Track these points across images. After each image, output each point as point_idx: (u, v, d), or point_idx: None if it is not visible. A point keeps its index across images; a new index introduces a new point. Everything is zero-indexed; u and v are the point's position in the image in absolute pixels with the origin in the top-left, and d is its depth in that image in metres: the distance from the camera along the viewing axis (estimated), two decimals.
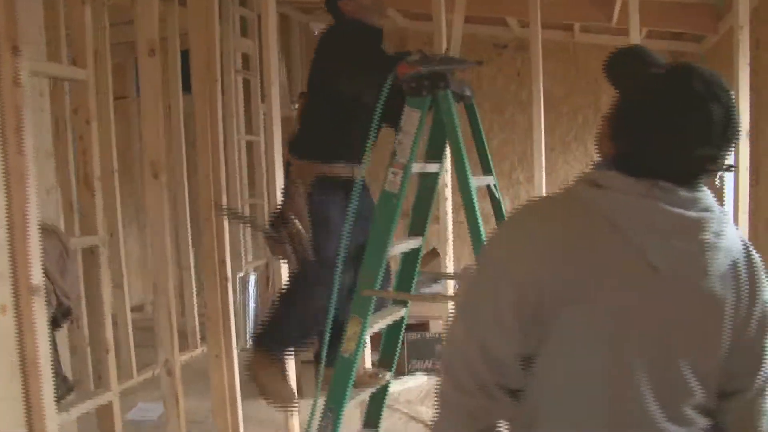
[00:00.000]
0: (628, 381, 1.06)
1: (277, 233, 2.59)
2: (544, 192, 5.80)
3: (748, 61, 2.79)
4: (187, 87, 3.77)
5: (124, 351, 4.50)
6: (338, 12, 2.61)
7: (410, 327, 4.29)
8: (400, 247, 2.50)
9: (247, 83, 5.55)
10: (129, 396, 4.04)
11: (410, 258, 2.65)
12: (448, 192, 3.76)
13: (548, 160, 5.80)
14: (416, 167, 2.35)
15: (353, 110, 2.49)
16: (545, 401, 1.12)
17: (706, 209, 1.09)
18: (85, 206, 2.54)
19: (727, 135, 1.07)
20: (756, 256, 1.16)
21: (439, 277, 4.64)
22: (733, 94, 1.12)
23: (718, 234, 1.08)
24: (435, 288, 4.57)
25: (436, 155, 2.56)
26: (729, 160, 1.16)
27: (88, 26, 2.51)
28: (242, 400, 3.23)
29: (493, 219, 2.67)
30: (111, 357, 2.55)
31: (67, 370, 2.66)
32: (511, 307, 1.09)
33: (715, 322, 1.10)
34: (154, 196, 2.86)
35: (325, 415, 2.38)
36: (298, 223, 2.53)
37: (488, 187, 2.56)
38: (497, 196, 2.54)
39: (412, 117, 2.27)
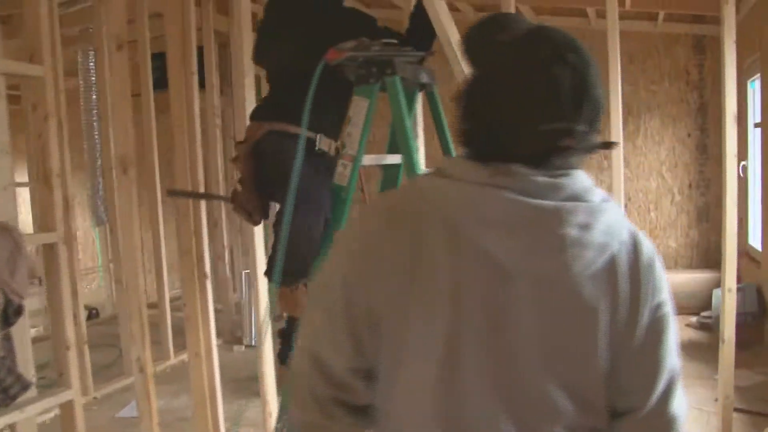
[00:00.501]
0: (474, 400, 0.92)
1: (233, 200, 2.53)
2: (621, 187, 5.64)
3: (734, 39, 2.58)
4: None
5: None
6: None
7: None
8: None
9: None
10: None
11: None
12: None
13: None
14: (369, 159, 2.24)
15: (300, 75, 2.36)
16: (383, 420, 0.99)
17: (572, 197, 0.90)
18: (43, 203, 2.51)
19: (580, 104, 0.90)
20: (648, 252, 0.97)
21: None
22: (591, 59, 0.92)
23: (585, 227, 0.89)
24: None
25: (396, 147, 2.45)
26: (607, 137, 1.01)
27: (44, 21, 2.49)
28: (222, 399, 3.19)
29: None
30: (72, 354, 2.53)
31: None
32: (341, 313, 0.95)
33: (586, 331, 0.93)
34: (124, 192, 2.84)
35: (280, 417, 2.30)
36: (237, 185, 2.47)
37: None
38: None
39: (360, 106, 2.16)
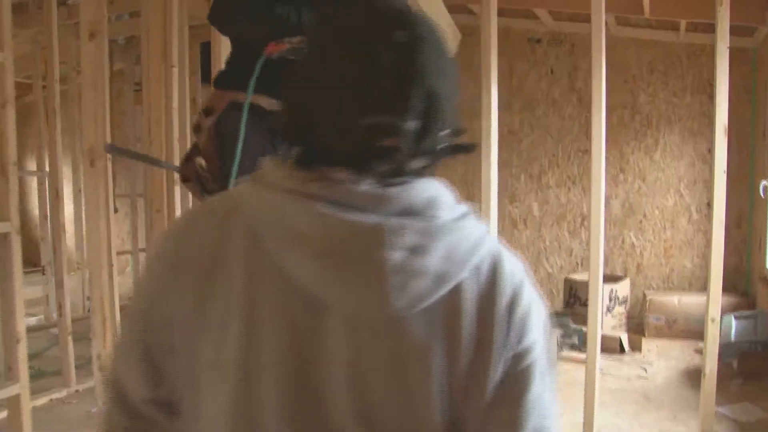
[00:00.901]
0: None
1: (182, 169, 2.39)
2: (579, 201, 5.45)
3: (727, 44, 2.40)
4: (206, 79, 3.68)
5: None
6: None
7: None
8: None
9: None
10: None
11: None
12: None
13: (580, 163, 5.43)
14: None
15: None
16: None
17: (404, 212, 0.73)
18: None
19: (407, 94, 0.72)
20: (513, 285, 0.79)
21: None
22: (431, 39, 0.75)
23: (416, 250, 0.72)
24: None
25: None
26: (461, 138, 0.84)
27: (6, 9, 2.44)
28: None
29: None
30: (22, 348, 2.47)
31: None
32: (139, 339, 0.82)
33: (413, 381, 0.75)
34: (91, 183, 2.77)
35: None
36: (201, 159, 2.34)
37: None
38: None
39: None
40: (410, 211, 0.74)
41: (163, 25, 3.04)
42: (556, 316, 4.95)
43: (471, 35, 5.85)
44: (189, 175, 2.34)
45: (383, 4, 0.77)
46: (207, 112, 2.28)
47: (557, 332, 4.45)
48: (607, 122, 5.37)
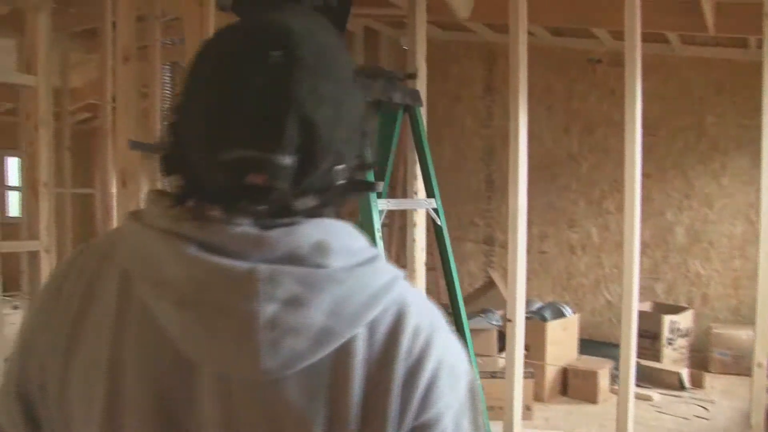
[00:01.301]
0: None
1: None
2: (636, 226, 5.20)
3: None
4: None
5: None
6: None
7: None
8: None
9: None
10: None
11: None
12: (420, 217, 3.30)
13: (642, 188, 5.18)
14: None
15: None
16: None
17: (285, 258, 0.64)
18: (30, 211, 2.53)
19: (280, 125, 0.63)
20: (418, 346, 0.68)
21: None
22: (315, 63, 0.66)
23: (295, 302, 0.63)
24: (479, 322, 4.17)
25: (380, 172, 2.27)
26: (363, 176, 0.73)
27: (42, 32, 2.52)
28: None
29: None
30: None
31: None
32: (15, 384, 0.75)
33: None
34: (124, 204, 2.82)
35: None
36: None
37: (431, 210, 2.20)
38: (440, 223, 2.18)
39: None
40: (292, 257, 0.64)
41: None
42: (611, 348, 4.72)
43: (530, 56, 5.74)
44: None
45: (265, 20, 0.69)
46: None
47: (611, 364, 4.23)
48: (671, 146, 5.16)
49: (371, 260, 0.69)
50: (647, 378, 4.37)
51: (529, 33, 5.35)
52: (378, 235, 1.87)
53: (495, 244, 5.80)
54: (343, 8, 2.35)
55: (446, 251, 2.16)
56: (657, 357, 4.56)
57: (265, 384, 0.64)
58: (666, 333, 4.58)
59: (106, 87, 3.99)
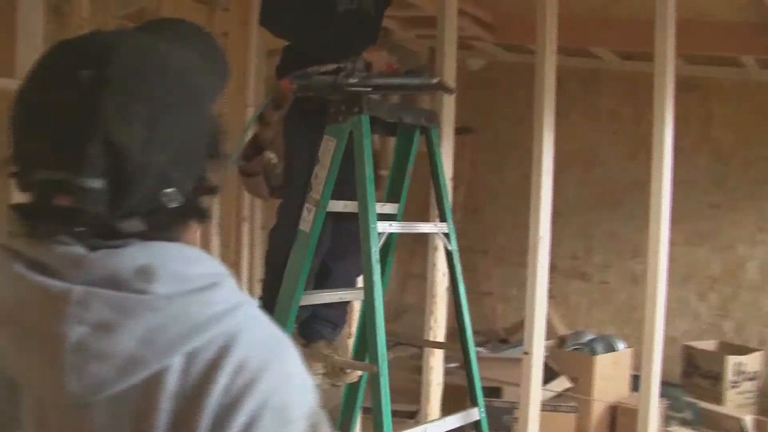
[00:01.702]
0: None
1: (248, 165, 2.32)
2: (708, 260, 4.93)
3: None
4: None
5: None
6: None
7: None
8: None
9: None
10: None
11: None
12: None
13: (712, 219, 4.94)
14: (337, 205, 2.05)
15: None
16: None
17: (102, 281, 0.63)
18: None
19: (83, 146, 0.61)
20: (233, 379, 0.64)
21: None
22: (130, 82, 0.65)
23: (104, 327, 0.61)
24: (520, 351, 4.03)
25: (395, 194, 2.23)
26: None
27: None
28: None
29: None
30: None
31: None
32: None
33: None
34: None
35: None
36: (271, 154, 2.27)
37: (441, 235, 2.13)
38: (451, 248, 2.12)
39: (327, 146, 2.00)
40: (112, 281, 0.63)
41: (241, 71, 3.13)
42: (671, 387, 4.47)
43: (592, 81, 5.57)
44: (257, 170, 2.29)
45: (89, 37, 0.68)
46: (276, 104, 2.22)
47: (665, 403, 4.00)
48: (744, 176, 4.87)
49: (208, 288, 0.66)
50: (706, 422, 4.10)
51: (596, 56, 5.22)
52: (375, 258, 1.83)
53: (555, 271, 5.61)
54: (378, 15, 2.32)
55: (456, 278, 2.09)
56: (719, 400, 4.27)
57: (73, 408, 0.63)
58: (730, 375, 4.30)
59: None
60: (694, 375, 4.44)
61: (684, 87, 5.07)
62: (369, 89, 1.91)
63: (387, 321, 5.66)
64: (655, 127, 2.37)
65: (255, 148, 2.32)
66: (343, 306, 2.39)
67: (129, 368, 0.61)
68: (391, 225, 1.95)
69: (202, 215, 0.73)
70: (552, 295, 5.57)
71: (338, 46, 2.05)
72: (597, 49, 5.07)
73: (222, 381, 0.63)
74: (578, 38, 4.99)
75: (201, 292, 0.65)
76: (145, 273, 0.63)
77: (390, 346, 5.11)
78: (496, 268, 5.71)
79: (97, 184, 0.62)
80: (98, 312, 0.61)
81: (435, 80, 2.04)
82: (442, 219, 2.12)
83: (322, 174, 2.01)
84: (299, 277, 2.03)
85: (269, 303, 2.16)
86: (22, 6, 2.26)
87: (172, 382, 0.63)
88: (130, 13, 4.72)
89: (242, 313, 0.68)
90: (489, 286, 5.60)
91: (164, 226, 0.68)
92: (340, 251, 2.25)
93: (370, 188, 1.88)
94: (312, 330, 2.31)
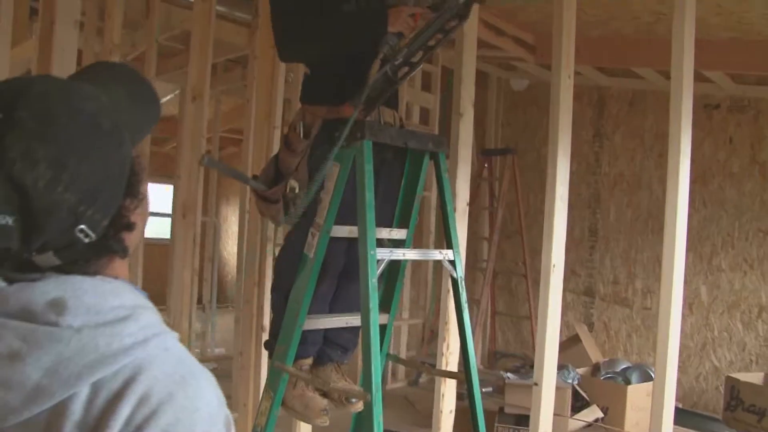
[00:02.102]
0: None
1: (270, 191, 2.33)
2: (756, 288, 4.72)
3: None
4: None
5: None
6: None
7: (506, 417, 3.75)
8: None
9: None
10: None
11: None
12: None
13: (759, 245, 4.74)
14: (341, 230, 2.04)
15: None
16: None
17: (21, 313, 0.67)
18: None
19: None
20: (133, 411, 0.65)
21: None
22: (41, 126, 0.68)
23: (13, 357, 0.65)
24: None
25: (405, 220, 2.21)
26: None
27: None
28: None
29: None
30: None
31: None
32: None
33: None
34: (181, 234, 2.94)
35: None
36: (294, 182, 2.26)
37: (446, 263, 2.09)
38: (456, 275, 2.07)
39: (332, 171, 1.99)
40: (25, 313, 0.67)
41: (269, 93, 3.17)
42: (713, 422, 4.30)
43: (638, 102, 5.43)
44: (277, 197, 2.29)
45: (2, 82, 0.72)
46: (305, 132, 2.20)
47: None
48: None
49: (120, 320, 0.69)
50: None
51: (639, 77, 5.09)
52: (372, 285, 1.81)
53: (596, 296, 5.48)
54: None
55: (461, 307, 2.05)
56: None
57: None
58: None
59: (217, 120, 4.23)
60: (738, 409, 4.24)
61: (733, 108, 4.91)
62: (418, 61, 1.89)
63: (419, 344, 5.59)
64: (670, 149, 2.26)
65: (277, 174, 2.31)
66: (356, 329, 2.36)
67: (35, 397, 0.64)
68: (392, 252, 1.93)
69: (120, 250, 0.75)
70: (590, 322, 5.44)
71: (356, 44, 2.05)
72: (640, 69, 4.95)
73: (125, 412, 0.65)
74: (621, 58, 4.90)
75: (112, 325, 0.68)
76: (57, 306, 0.67)
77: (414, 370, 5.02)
78: (536, 291, 5.59)
79: (6, 221, 0.66)
80: (9, 342, 0.65)
81: (462, 1, 1.94)
82: (449, 245, 2.08)
83: (326, 199, 2.00)
84: (303, 301, 2.03)
85: (277, 328, 2.16)
86: (57, 30, 2.36)
87: (76, 412, 0.65)
88: (175, 35, 4.87)
89: (154, 345, 0.70)
90: (528, 310, 5.49)
91: (80, 260, 0.72)
92: (354, 273, 2.22)
93: (370, 214, 1.87)
94: (321, 353, 2.30)
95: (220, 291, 7.21)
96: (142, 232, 0.85)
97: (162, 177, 8.14)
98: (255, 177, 2.35)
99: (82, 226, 0.70)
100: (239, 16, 4.90)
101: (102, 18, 3.36)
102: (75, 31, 2.46)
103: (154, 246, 5.99)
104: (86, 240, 0.70)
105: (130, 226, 0.76)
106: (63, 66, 2.42)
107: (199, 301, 6.35)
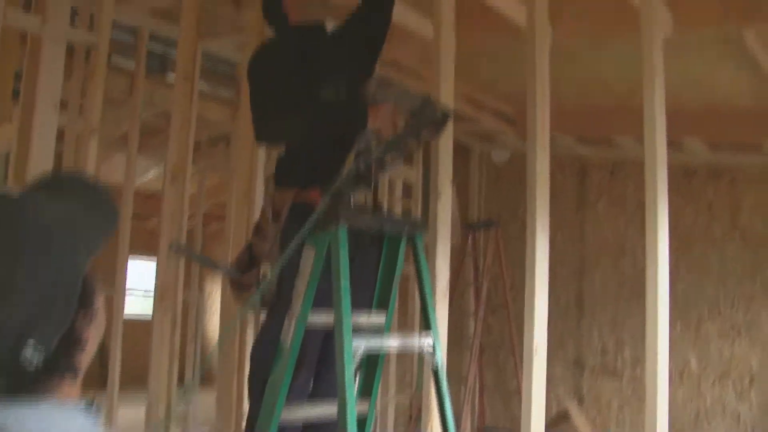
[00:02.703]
0: None
1: (243, 277, 2.28)
2: (746, 355, 4.67)
3: None
4: None
5: None
6: (278, 18, 2.33)
7: None
8: None
9: (407, 213, 5.53)
10: None
11: None
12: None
13: (746, 311, 4.71)
14: (318, 317, 2.00)
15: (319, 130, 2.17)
16: None
17: None
18: None
19: None
20: None
21: None
22: None
23: None
24: None
25: (383, 303, 2.17)
26: None
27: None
28: None
29: None
30: None
31: None
32: None
33: None
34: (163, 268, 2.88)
35: None
36: (267, 267, 2.22)
37: (427, 352, 2.04)
38: (436, 363, 2.02)
39: (307, 256, 1.97)
40: None
41: (249, 172, 3.17)
42: None
43: (618, 170, 5.50)
44: (250, 282, 2.26)
45: None
46: (274, 216, 2.21)
47: None
48: None
49: None
50: None
51: (619, 146, 5.16)
52: (348, 378, 1.75)
53: (585, 367, 5.40)
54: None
55: (443, 398, 1.99)
56: None
57: None
58: None
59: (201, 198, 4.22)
60: None
61: (711, 174, 4.98)
62: (389, 161, 1.90)
63: (406, 422, 5.43)
64: (648, 217, 2.24)
65: (250, 259, 2.29)
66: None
67: None
68: (368, 341, 1.88)
69: (71, 371, 0.72)
70: (581, 394, 5.35)
71: (337, 131, 2.06)
72: (619, 138, 5.03)
73: None
74: (599, 128, 4.98)
75: None
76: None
77: None
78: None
79: None
80: None
81: (440, 112, 1.98)
82: (428, 329, 2.04)
83: (301, 285, 1.97)
84: (279, 392, 1.97)
85: (254, 418, 2.10)
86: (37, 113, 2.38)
87: None
88: (159, 113, 4.92)
89: None
90: (517, 384, 5.39)
91: (27, 382, 0.69)
92: (332, 361, 2.17)
93: (346, 302, 1.83)
94: None
95: (206, 368, 7.06)
96: (95, 347, 0.83)
97: (145, 253, 8.10)
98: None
99: (30, 346, 0.67)
100: (222, 94, 4.98)
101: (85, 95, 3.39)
102: (55, 114, 2.48)
103: (136, 324, 5.89)
104: (34, 360, 0.68)
105: (82, 344, 0.74)
106: (42, 149, 2.43)
107: (184, 380, 6.21)
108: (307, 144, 2.21)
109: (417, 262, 2.08)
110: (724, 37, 3.01)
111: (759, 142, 4.39)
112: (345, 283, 1.84)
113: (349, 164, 1.92)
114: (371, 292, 2.16)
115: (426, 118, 1.92)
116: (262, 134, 2.24)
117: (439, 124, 1.95)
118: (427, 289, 2.07)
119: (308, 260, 1.96)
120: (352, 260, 1.91)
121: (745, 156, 4.72)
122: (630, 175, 5.46)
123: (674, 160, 5.05)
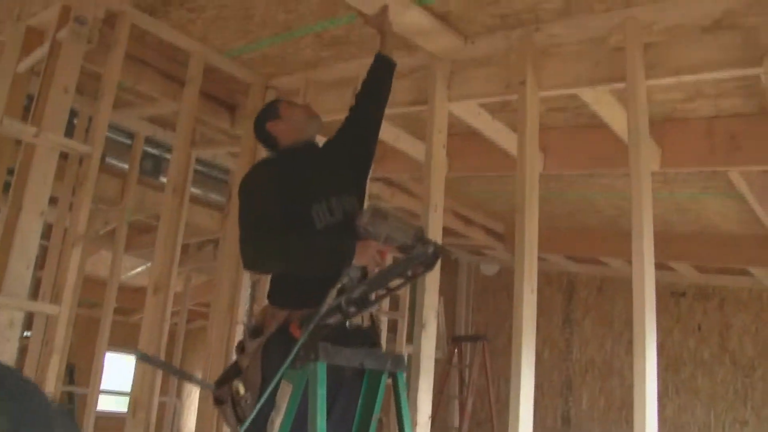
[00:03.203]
0: None
1: (220, 390, 2.16)
2: None
3: None
4: None
5: None
6: (269, 138, 2.31)
7: None
8: None
9: (393, 324, 5.40)
10: None
11: None
12: None
13: None
14: None
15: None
16: None
17: None
18: None
19: None
20: None
21: None
22: None
23: None
24: None
25: None
26: None
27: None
28: None
29: None
30: None
31: None
32: None
33: None
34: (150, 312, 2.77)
35: None
36: (239, 383, 2.10)
37: None
38: None
39: (285, 391, 1.90)
40: None
41: (235, 284, 3.14)
42: None
43: (606, 288, 5.49)
44: (223, 398, 2.16)
45: None
46: (254, 332, 2.13)
47: None
48: None
49: None
50: None
51: (605, 264, 5.18)
52: None
53: None
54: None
55: None
56: None
57: None
58: None
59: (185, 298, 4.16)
60: None
61: (699, 296, 4.97)
62: (374, 300, 1.86)
63: None
64: (635, 339, 2.16)
65: (226, 374, 2.22)
66: None
67: None
68: None
69: None
70: None
71: (330, 260, 2.02)
72: (606, 258, 5.05)
73: None
74: (587, 248, 4.99)
75: None
76: None
77: None
78: None
79: None
80: None
81: (431, 248, 1.92)
82: None
83: (277, 420, 1.89)
84: None
85: None
86: (22, 219, 2.36)
87: None
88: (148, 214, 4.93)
89: None
90: None
91: None
92: None
93: None
94: None
95: None
96: None
97: (126, 349, 7.92)
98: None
99: None
100: (214, 199, 4.99)
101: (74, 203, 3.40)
102: (40, 221, 2.47)
103: (110, 418, 5.67)
104: None
105: None
106: (23, 254, 2.40)
107: None
108: (302, 266, 2.17)
109: (397, 398, 2.01)
110: (710, 171, 3.06)
111: (745, 267, 4.41)
112: (321, 422, 1.76)
113: (330, 299, 1.87)
114: (350, 429, 2.07)
115: (416, 258, 1.89)
116: (249, 263, 2.20)
117: (429, 264, 1.92)
118: (406, 426, 1.99)
119: (285, 395, 1.89)
120: (335, 394, 1.84)
121: (733, 278, 4.73)
122: (618, 293, 5.46)
123: (663, 281, 5.10)
